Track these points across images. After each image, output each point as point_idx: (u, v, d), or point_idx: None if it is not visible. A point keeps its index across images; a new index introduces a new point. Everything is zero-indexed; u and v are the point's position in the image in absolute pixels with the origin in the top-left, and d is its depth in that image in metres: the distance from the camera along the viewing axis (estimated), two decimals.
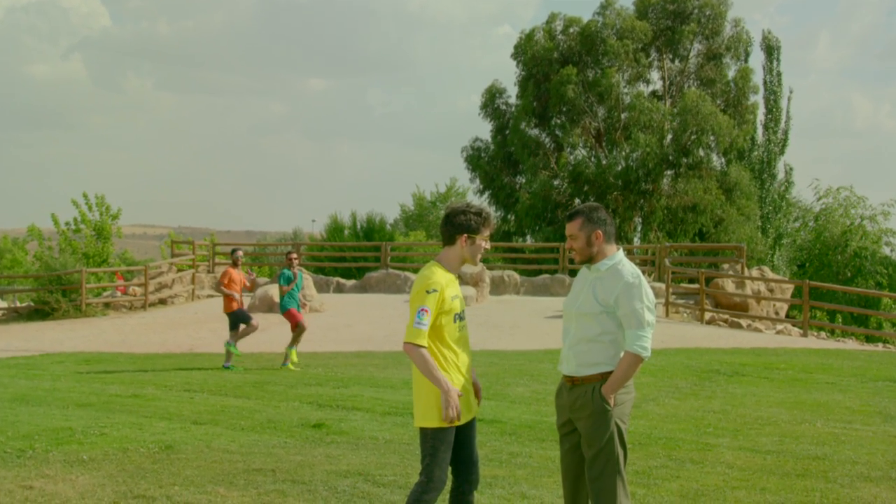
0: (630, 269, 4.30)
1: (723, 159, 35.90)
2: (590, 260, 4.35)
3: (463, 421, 4.26)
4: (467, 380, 4.34)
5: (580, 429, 4.29)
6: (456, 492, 4.37)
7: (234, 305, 13.60)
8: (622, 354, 4.24)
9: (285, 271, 13.65)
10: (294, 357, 13.24)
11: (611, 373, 4.24)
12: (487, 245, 4.41)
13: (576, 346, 4.30)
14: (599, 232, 4.32)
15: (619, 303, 4.20)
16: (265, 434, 8.07)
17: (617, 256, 4.35)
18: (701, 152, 34.51)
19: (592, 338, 4.25)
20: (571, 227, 4.37)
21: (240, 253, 14.07)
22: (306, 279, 22.44)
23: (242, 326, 13.62)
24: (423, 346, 4.18)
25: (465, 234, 4.34)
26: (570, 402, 4.31)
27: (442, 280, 4.27)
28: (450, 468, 4.35)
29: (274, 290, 22.18)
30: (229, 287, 13.57)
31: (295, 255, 13.74)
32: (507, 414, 9.00)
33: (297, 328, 13.44)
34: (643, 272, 28.12)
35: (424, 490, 4.20)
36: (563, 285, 25.76)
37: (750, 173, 35.76)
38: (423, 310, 4.17)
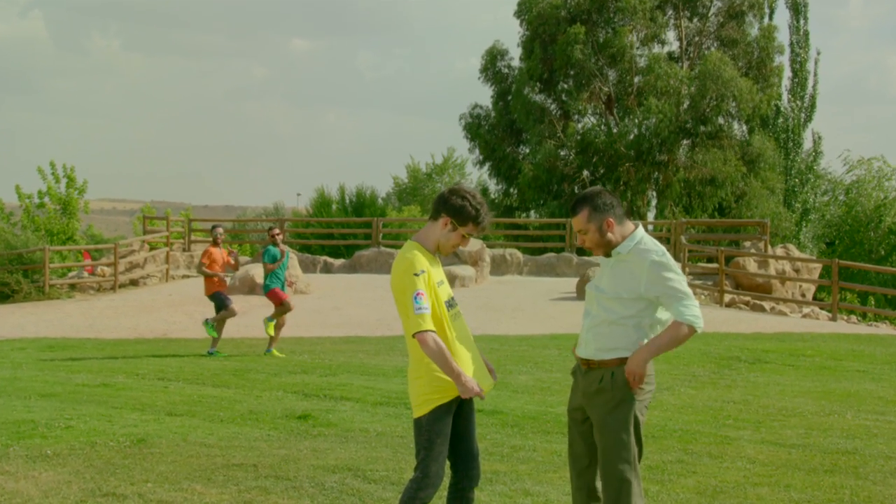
0: (653, 246, 4.30)
1: (744, 127, 35.81)
2: (610, 250, 4.34)
3: (488, 389, 4.30)
4: (477, 368, 4.35)
5: (593, 417, 4.29)
6: (454, 488, 4.37)
7: (216, 287, 13.59)
8: (644, 341, 4.24)
9: (270, 248, 13.62)
10: (271, 330, 13.22)
11: (628, 360, 4.24)
12: (463, 244, 4.37)
13: (595, 328, 4.31)
14: (610, 220, 4.30)
15: (652, 284, 4.19)
16: (246, 426, 8.07)
17: (637, 235, 4.34)
18: (721, 120, 34.42)
19: (614, 321, 4.26)
20: (579, 222, 4.34)
21: (220, 230, 14.03)
22: (292, 258, 22.44)
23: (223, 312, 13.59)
24: (433, 331, 4.16)
25: (450, 218, 4.31)
26: (585, 387, 4.33)
27: (425, 262, 4.26)
28: (448, 463, 4.35)
29: (256, 271, 22.14)
30: (211, 268, 13.56)
31: (278, 231, 13.69)
32: (508, 404, 9.01)
33: (282, 306, 13.43)
34: None
35: (419, 487, 4.20)
36: (569, 265, 25.78)
37: (774, 143, 35.70)
38: (418, 294, 4.15)
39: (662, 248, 4.32)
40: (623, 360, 4.24)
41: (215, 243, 13.81)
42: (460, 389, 4.15)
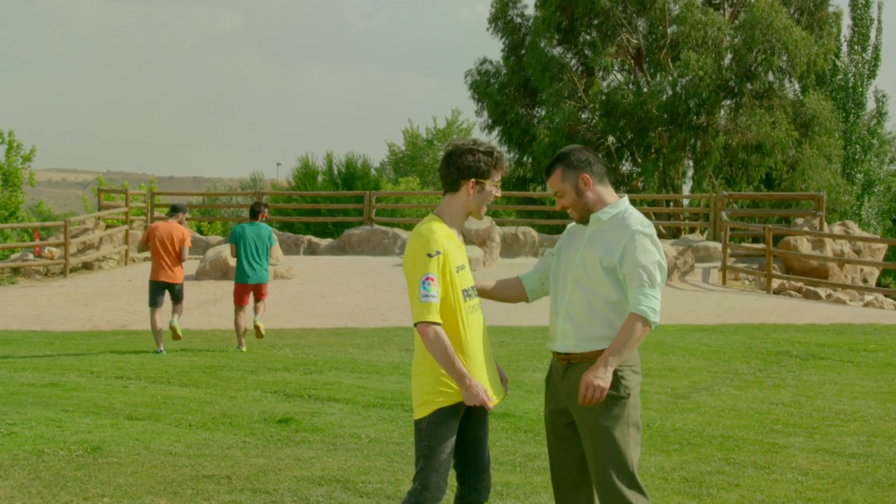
0: (638, 217, 4.34)
1: (797, 85, 35.68)
2: (588, 214, 4.39)
3: (499, 401, 4.33)
4: (490, 375, 4.35)
5: (582, 422, 4.29)
6: (461, 501, 4.38)
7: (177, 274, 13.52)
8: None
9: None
10: (260, 325, 13.26)
11: None
12: (497, 193, 4.41)
13: (575, 316, 4.32)
14: (585, 175, 4.37)
15: (625, 257, 4.23)
16: (218, 432, 8.08)
17: (621, 204, 4.39)
18: (770, 76, 34.26)
19: (597, 304, 4.28)
20: (553, 183, 4.42)
21: (185, 215, 13.88)
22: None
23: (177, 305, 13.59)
24: (438, 324, 4.18)
25: (473, 179, 4.34)
26: (568, 387, 4.32)
27: (445, 241, 4.27)
28: (455, 473, 4.36)
29: (227, 253, 22.14)
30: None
31: (265, 214, 13.70)
32: (521, 406, 9.01)
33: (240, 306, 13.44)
34: (695, 229, 28.24)
35: (418, 500, 4.22)
36: None
37: (831, 103, 35.60)
38: (427, 278, 4.18)
39: (650, 223, 4.36)
40: None
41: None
42: (465, 394, 4.17)
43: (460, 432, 4.33)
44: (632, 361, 4.28)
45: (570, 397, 4.32)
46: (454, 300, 4.26)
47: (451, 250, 4.29)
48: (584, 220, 4.40)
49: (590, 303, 4.28)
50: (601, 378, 4.16)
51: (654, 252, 4.26)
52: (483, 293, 4.57)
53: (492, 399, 4.23)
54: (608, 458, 4.22)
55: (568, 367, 4.34)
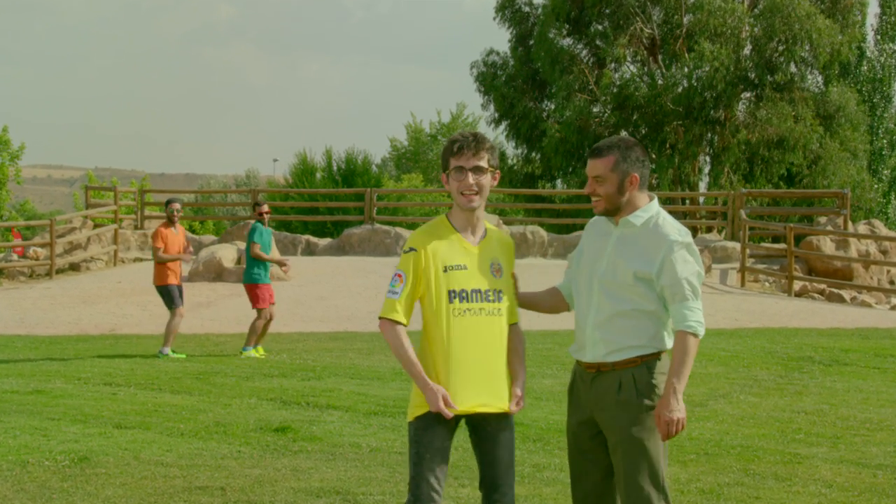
0: (674, 224, 4.34)
1: (820, 77, 35.64)
2: (615, 211, 4.36)
3: (468, 409, 4.26)
4: (480, 385, 4.31)
5: (611, 434, 4.27)
6: None
7: (168, 278, 13.48)
8: (665, 333, 4.26)
9: (259, 227, 13.51)
10: (261, 352, 13.23)
11: (651, 357, 4.25)
12: (464, 184, 4.32)
13: (605, 324, 4.30)
14: (636, 176, 4.35)
15: (664, 270, 4.23)
16: (212, 441, 8.08)
17: (653, 208, 4.38)
18: (792, 67, 34.22)
19: (627, 312, 4.27)
20: (599, 166, 4.36)
21: (177, 206, 13.92)
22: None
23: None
24: (399, 322, 4.30)
25: (444, 174, 4.44)
26: (596, 397, 4.30)
27: (429, 238, 4.33)
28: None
29: (223, 252, 22.15)
30: (168, 251, 13.47)
31: (267, 209, 13.69)
32: (530, 414, 9.00)
33: (260, 313, 13.35)
34: (712, 228, 28.21)
35: None
36: None
37: (857, 95, 35.54)
38: (395, 274, 4.34)
39: (687, 230, 4.36)
40: (645, 359, 4.24)
41: (171, 222, 13.71)
42: (426, 399, 4.24)
43: (475, 448, 4.37)
44: (665, 369, 4.27)
45: (598, 408, 4.29)
46: (435, 301, 4.29)
47: (439, 249, 4.32)
48: (607, 213, 4.39)
49: (620, 311, 4.27)
50: (676, 410, 4.15)
51: (693, 263, 4.27)
52: (525, 304, 4.57)
53: (454, 406, 4.23)
54: (640, 470, 4.20)
55: (596, 376, 4.31)
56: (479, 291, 4.35)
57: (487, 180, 4.37)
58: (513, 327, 4.46)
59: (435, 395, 4.21)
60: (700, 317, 4.23)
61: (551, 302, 4.64)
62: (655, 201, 4.41)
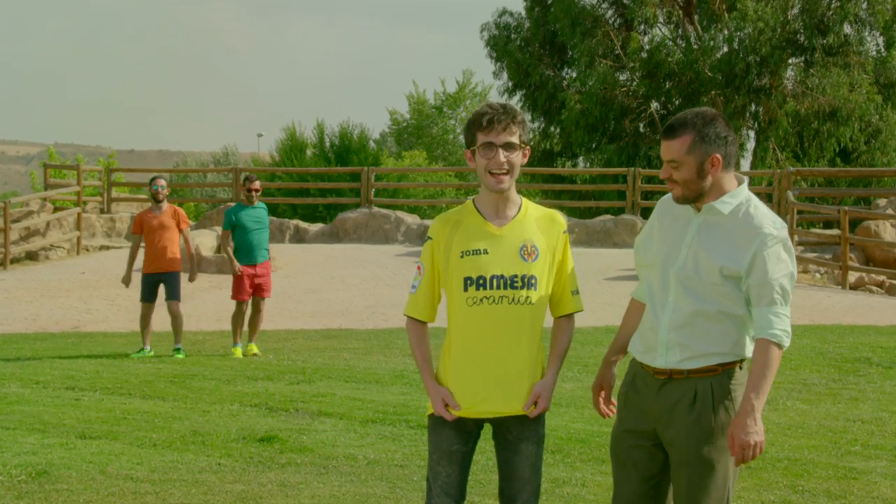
0: (768, 213, 4.23)
1: (880, 39, 35.50)
2: (696, 198, 4.25)
3: (472, 413, 4.33)
4: (490, 384, 4.33)
5: (676, 448, 4.21)
6: None
7: (167, 264, 13.56)
8: (747, 338, 4.20)
9: (238, 206, 13.55)
10: (239, 353, 13.25)
11: (732, 365, 4.19)
12: (494, 162, 4.29)
13: (683, 327, 4.20)
14: (718, 156, 4.23)
15: (754, 267, 4.13)
16: (188, 453, 8.08)
17: (742, 192, 4.27)
18: (847, 28, 34.10)
19: (711, 315, 4.18)
20: (673, 149, 4.23)
21: (162, 182, 13.92)
22: None
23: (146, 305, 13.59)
24: (417, 320, 4.47)
25: (468, 151, 4.45)
26: (665, 408, 4.22)
27: (447, 224, 4.40)
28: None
29: (201, 239, 22.22)
30: (150, 240, 13.58)
31: (258, 186, 13.68)
32: (549, 422, 8.91)
33: (241, 307, 13.41)
34: None
35: None
36: (632, 231, 25.73)
37: None
38: (416, 267, 4.48)
39: (782, 221, 4.25)
40: (725, 367, 4.17)
41: (156, 202, 13.76)
42: (431, 400, 4.41)
43: (496, 456, 4.46)
44: (745, 381, 4.19)
45: (664, 421, 4.21)
46: (450, 291, 4.38)
47: (456, 234, 4.35)
48: (686, 201, 4.26)
49: (703, 313, 4.18)
50: (754, 432, 4.05)
51: (788, 262, 4.16)
52: (623, 339, 4.53)
53: (457, 406, 4.32)
54: (706, 495, 4.16)
55: (666, 384, 4.23)
56: (503, 278, 4.31)
57: (518, 158, 4.34)
58: (558, 320, 4.46)
59: (435, 396, 4.35)
60: (787, 325, 4.13)
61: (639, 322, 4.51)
62: (745, 185, 4.30)
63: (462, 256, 4.31)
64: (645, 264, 4.39)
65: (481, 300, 4.30)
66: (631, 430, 4.33)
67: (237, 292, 13.44)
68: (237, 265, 13.34)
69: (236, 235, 13.47)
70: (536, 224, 4.39)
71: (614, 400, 4.50)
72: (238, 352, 13.26)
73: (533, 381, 4.35)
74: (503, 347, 4.32)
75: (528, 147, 4.41)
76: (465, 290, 4.30)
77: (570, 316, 4.46)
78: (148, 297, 13.55)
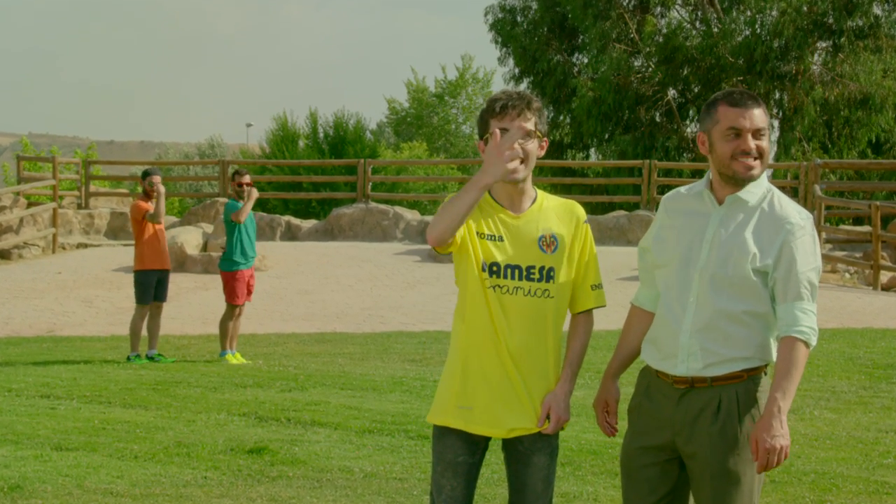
0: (793, 204, 4.23)
1: None
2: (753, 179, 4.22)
3: (483, 432, 4.31)
4: (489, 403, 4.30)
5: (695, 462, 4.19)
6: None
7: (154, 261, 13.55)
8: (772, 340, 4.18)
9: (236, 204, 13.52)
10: (233, 360, 13.25)
11: (757, 370, 4.17)
12: (514, 147, 4.21)
13: (706, 330, 4.17)
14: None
15: (781, 259, 4.12)
16: (172, 465, 8.08)
17: (764, 182, 4.25)
18: (877, 9, 34.10)
19: (736, 316, 4.15)
20: (763, 117, 4.20)
21: (157, 178, 13.86)
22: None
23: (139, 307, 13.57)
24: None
25: (481, 142, 4.38)
26: (686, 419, 4.19)
27: None
28: None
29: (186, 237, 22.20)
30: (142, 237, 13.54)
31: (248, 180, 13.66)
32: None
33: (231, 307, 13.38)
34: None
35: None
36: (646, 228, 25.72)
37: None
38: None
39: (807, 212, 4.25)
40: (750, 373, 4.15)
41: (148, 196, 13.75)
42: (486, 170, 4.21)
43: (505, 468, 4.43)
44: (769, 385, 4.17)
45: (686, 433, 4.18)
46: (464, 268, 4.30)
47: (472, 216, 4.23)
48: (752, 179, 4.19)
49: (728, 314, 4.15)
50: (779, 436, 4.01)
51: (816, 255, 4.16)
52: (626, 349, 4.53)
53: (468, 407, 4.30)
54: None
55: (687, 393, 4.20)
56: (518, 268, 4.28)
57: (534, 147, 4.32)
58: (578, 316, 4.43)
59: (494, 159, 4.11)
60: (814, 322, 4.11)
61: (644, 331, 4.49)
62: (765, 175, 4.29)
63: (483, 238, 4.27)
64: (659, 265, 4.35)
65: (494, 288, 4.26)
66: (644, 446, 4.32)
67: (234, 295, 13.39)
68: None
69: (235, 235, 13.43)
70: (555, 212, 4.37)
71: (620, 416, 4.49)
72: (237, 357, 13.19)
73: (550, 383, 4.35)
74: (518, 356, 4.30)
75: (545, 139, 4.38)
76: (489, 276, 4.25)
77: (588, 312, 4.42)
78: (151, 297, 13.51)
